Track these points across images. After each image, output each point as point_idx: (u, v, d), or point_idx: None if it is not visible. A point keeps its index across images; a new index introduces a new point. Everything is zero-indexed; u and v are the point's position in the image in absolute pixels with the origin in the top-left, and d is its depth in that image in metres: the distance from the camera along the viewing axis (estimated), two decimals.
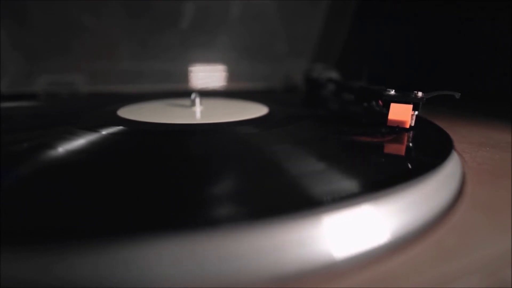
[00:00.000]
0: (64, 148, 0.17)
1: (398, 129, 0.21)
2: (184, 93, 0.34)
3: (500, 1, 0.42)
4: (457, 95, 0.21)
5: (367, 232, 0.11)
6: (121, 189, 0.12)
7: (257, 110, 0.27)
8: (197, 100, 0.28)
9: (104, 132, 0.20)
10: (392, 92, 0.22)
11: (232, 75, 0.51)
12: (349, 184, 0.13)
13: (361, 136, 0.20)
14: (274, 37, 0.51)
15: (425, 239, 0.11)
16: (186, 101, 0.31)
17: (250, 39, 0.50)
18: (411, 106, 0.21)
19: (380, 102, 0.23)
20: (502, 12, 0.42)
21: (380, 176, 0.14)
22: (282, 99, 0.41)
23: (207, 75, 0.50)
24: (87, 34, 0.42)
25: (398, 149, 0.19)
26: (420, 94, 0.21)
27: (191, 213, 0.10)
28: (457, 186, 0.15)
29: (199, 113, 0.27)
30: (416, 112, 0.21)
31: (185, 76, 0.49)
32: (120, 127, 0.21)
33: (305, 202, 0.11)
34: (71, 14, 0.40)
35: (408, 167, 0.15)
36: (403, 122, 0.21)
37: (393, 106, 0.21)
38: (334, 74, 0.41)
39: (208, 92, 0.44)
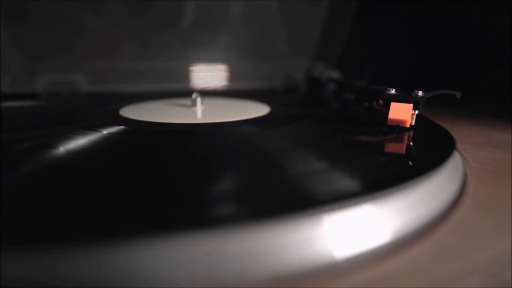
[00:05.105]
0: (65, 147, 0.17)
1: (398, 129, 0.21)
2: (185, 92, 0.34)
3: (501, 1, 0.42)
4: (458, 94, 0.21)
5: (367, 232, 0.11)
6: (123, 189, 0.12)
7: (258, 110, 0.27)
8: (198, 100, 0.29)
9: (106, 131, 0.20)
10: (393, 91, 0.22)
11: (233, 75, 0.51)
12: (349, 184, 0.13)
13: (362, 136, 0.20)
14: (275, 37, 0.51)
15: (426, 239, 0.11)
16: (187, 101, 0.31)
17: (251, 39, 0.50)
18: (411, 106, 0.21)
19: (380, 101, 0.23)
20: (503, 11, 0.42)
21: (380, 176, 0.14)
22: (283, 99, 0.41)
23: (208, 74, 0.50)
24: (89, 33, 0.42)
25: (398, 148, 0.19)
26: (420, 93, 0.21)
27: (192, 213, 0.10)
28: (458, 186, 0.15)
29: (200, 112, 0.27)
30: (417, 112, 0.21)
31: (186, 76, 0.49)
32: (122, 127, 0.21)
33: (306, 202, 0.11)
34: (72, 13, 0.40)
35: (409, 166, 0.15)
36: (403, 122, 0.21)
37: (394, 106, 0.21)
38: (335, 74, 0.41)
39: (209, 92, 0.44)
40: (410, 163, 0.16)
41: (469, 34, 0.47)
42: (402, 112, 0.21)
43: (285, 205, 0.11)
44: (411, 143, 0.19)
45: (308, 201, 0.11)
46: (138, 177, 0.14)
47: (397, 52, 0.54)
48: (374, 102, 0.24)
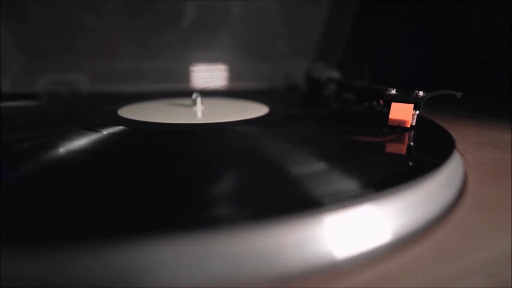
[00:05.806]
0: (65, 147, 0.17)
1: (399, 129, 0.21)
2: (185, 92, 0.34)
3: (501, 1, 0.42)
4: (459, 94, 0.21)
5: (368, 232, 0.11)
6: (123, 189, 0.12)
7: (258, 110, 0.27)
8: (198, 100, 0.29)
9: (105, 132, 0.20)
10: (393, 91, 0.22)
11: (233, 75, 0.51)
12: (350, 184, 0.13)
13: (362, 136, 0.20)
14: (275, 37, 0.51)
15: (427, 239, 0.11)
16: (187, 101, 0.31)
17: (251, 39, 0.50)
18: (412, 106, 0.21)
19: (381, 101, 0.23)
20: (503, 11, 0.42)
21: (381, 176, 0.14)
22: (283, 99, 0.41)
23: (208, 74, 0.50)
24: (89, 33, 0.42)
25: (399, 148, 0.19)
26: (421, 93, 0.21)
27: (192, 213, 0.10)
28: (458, 186, 0.15)
29: (200, 112, 0.27)
30: (417, 112, 0.21)
31: (186, 76, 0.49)
32: (121, 127, 0.21)
33: (306, 203, 0.11)
34: (72, 13, 0.40)
35: (409, 167, 0.15)
36: (404, 122, 0.21)
37: (394, 106, 0.21)
38: (335, 74, 0.41)
39: (209, 92, 0.45)
40: (411, 163, 0.16)
41: (469, 34, 0.47)
42: (402, 113, 0.21)
43: (285, 205, 0.11)
44: (412, 143, 0.19)
45: (308, 201, 0.11)
46: (138, 177, 0.14)
47: (397, 52, 0.54)
48: (375, 102, 0.24)
